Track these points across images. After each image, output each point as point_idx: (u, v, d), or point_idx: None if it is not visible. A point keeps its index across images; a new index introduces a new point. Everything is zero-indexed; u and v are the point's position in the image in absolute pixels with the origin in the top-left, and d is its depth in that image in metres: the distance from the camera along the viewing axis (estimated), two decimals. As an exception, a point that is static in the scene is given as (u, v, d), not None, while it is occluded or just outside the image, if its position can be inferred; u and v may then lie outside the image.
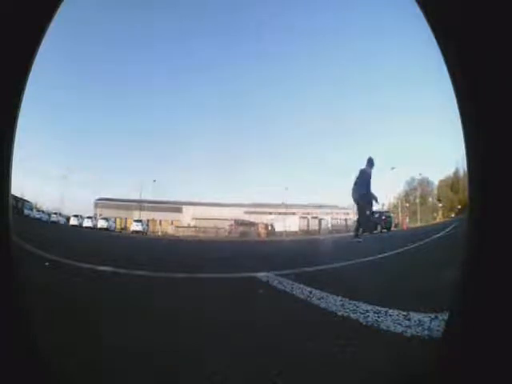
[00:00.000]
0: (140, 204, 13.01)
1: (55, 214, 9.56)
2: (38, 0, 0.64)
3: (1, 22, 0.60)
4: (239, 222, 13.50)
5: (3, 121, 0.65)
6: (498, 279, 0.75)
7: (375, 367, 1.06)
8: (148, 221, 12.57)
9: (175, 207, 13.95)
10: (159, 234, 12.80)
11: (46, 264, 2.81)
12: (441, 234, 6.30)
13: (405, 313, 1.54)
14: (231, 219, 13.59)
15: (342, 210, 11.37)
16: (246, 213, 13.98)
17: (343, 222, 11.07)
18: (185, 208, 14.06)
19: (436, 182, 10.94)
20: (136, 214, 12.58)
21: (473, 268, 0.80)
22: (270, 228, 12.63)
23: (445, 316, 1.20)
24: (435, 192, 10.72)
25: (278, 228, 12.39)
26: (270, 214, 13.12)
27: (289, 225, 11.35)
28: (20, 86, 0.65)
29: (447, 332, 0.86)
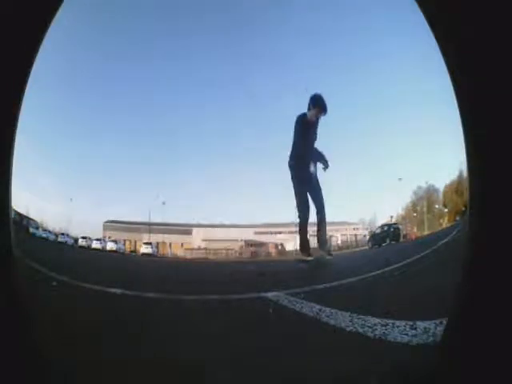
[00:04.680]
0: (149, 226, 13.04)
1: (62, 234, 9.57)
2: (38, 2, 0.66)
3: (1, 23, 0.62)
4: (249, 243, 13.41)
5: (2, 134, 0.66)
6: (496, 283, 0.71)
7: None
8: (158, 243, 12.58)
9: (185, 229, 13.94)
10: (169, 256, 12.76)
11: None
12: (443, 240, 6.16)
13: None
14: (241, 240, 13.51)
15: (351, 226, 11.22)
16: (256, 233, 13.90)
17: (353, 238, 10.90)
18: (194, 230, 14.03)
19: (442, 188, 10.77)
20: (145, 237, 12.58)
21: (471, 272, 0.77)
22: (280, 247, 12.52)
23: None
24: (442, 198, 10.52)
25: (289, 247, 12.25)
26: (280, 233, 12.99)
27: (299, 244, 11.20)
28: (20, 88, 0.65)
29: (447, 336, 0.82)
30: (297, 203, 5.06)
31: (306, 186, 5.02)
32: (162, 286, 3.33)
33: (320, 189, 5.04)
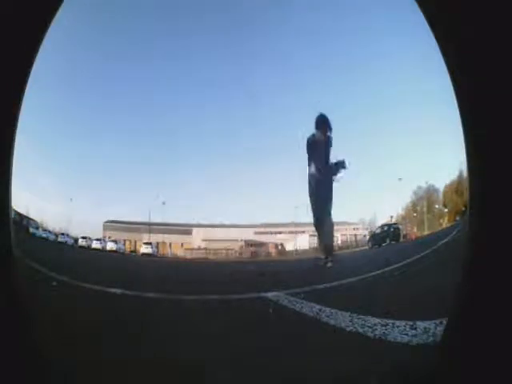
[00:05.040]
0: (149, 226, 13.02)
1: (62, 234, 9.57)
2: (38, 2, 0.66)
3: (1, 23, 0.62)
4: (249, 243, 13.41)
5: (1, 135, 0.66)
6: (496, 283, 0.71)
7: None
8: (158, 243, 12.58)
9: (185, 229, 13.93)
10: (169, 256, 12.76)
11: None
12: (443, 240, 6.16)
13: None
14: (241, 240, 13.52)
15: (351, 226, 11.20)
16: (256, 233, 13.90)
17: (353, 238, 10.89)
18: (194, 230, 14.03)
19: (442, 188, 10.78)
20: (145, 237, 12.57)
21: (471, 272, 0.77)
22: (280, 247, 12.53)
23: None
24: (442, 198, 10.52)
25: (289, 247, 12.25)
26: (280, 233, 12.99)
27: (299, 244, 11.23)
28: (20, 88, 0.65)
29: (447, 336, 0.82)
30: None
31: (318, 202, 5.38)
32: (161, 286, 3.34)
33: (330, 208, 5.33)
